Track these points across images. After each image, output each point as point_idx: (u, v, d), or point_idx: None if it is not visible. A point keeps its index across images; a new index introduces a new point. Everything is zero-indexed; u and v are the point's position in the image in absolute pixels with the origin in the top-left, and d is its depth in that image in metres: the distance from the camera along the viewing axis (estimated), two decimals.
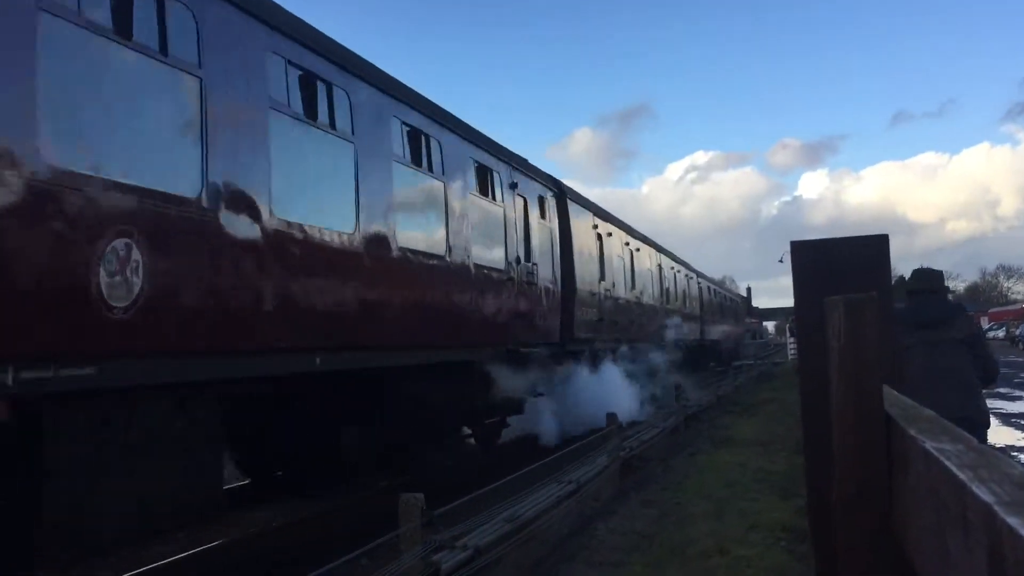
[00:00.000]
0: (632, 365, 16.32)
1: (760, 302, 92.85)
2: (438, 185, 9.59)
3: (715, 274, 53.56)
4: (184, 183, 5.46)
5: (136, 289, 4.90)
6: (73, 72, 4.70)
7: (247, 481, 9.81)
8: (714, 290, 38.20)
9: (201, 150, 5.60)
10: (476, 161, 10.89)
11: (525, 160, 13.28)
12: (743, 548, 6.44)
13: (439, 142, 9.63)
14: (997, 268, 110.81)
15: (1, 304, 4.14)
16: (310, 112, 7.08)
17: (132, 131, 5.13)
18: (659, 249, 24.28)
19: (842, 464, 1.80)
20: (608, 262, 17.15)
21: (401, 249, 8.30)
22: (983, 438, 6.02)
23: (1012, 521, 0.78)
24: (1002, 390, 21.23)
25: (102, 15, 4.88)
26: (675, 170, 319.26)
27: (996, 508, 0.83)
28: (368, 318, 7.56)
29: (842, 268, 2.64)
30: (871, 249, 2.68)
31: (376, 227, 7.92)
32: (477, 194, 10.77)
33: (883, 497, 1.71)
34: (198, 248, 5.49)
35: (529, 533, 6.32)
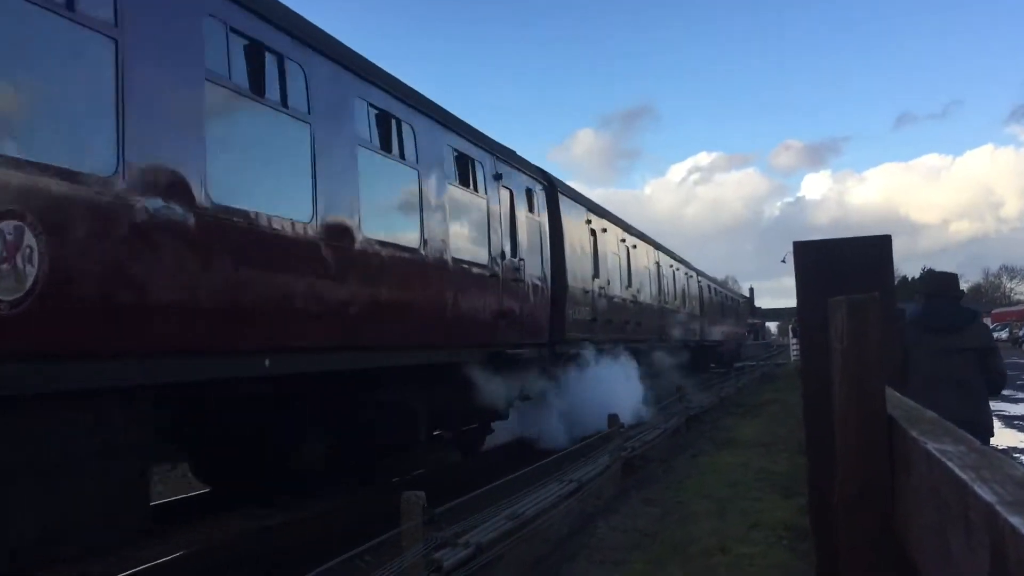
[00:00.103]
0: (628, 367, 15.89)
1: (763, 302, 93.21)
2: (411, 174, 8.99)
3: (718, 275, 53.71)
4: (95, 160, 4.85)
5: (30, 280, 4.31)
6: None
7: (207, 490, 9.47)
8: (715, 289, 37.96)
9: (116, 123, 4.96)
10: (455, 149, 10.34)
11: (511, 151, 12.82)
12: (745, 547, 6.47)
13: (412, 127, 9.04)
14: (1000, 269, 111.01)
15: None
16: (256, 86, 6.43)
17: (28, 99, 4.62)
18: (657, 247, 24.02)
19: (844, 464, 1.81)
20: (603, 259, 16.74)
21: (367, 241, 7.72)
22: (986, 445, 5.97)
23: (1014, 521, 0.78)
24: (1005, 392, 21.19)
25: None
26: (678, 171, 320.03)
27: (998, 508, 0.84)
28: (329, 316, 7.05)
29: (845, 269, 2.66)
30: (874, 250, 2.69)
31: (337, 217, 7.31)
32: (457, 185, 10.21)
33: (885, 497, 1.73)
34: (113, 234, 4.87)
35: (531, 531, 6.32)
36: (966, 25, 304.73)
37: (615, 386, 14.32)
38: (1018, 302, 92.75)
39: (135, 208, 5.03)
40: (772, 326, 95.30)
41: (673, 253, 26.95)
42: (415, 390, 9.24)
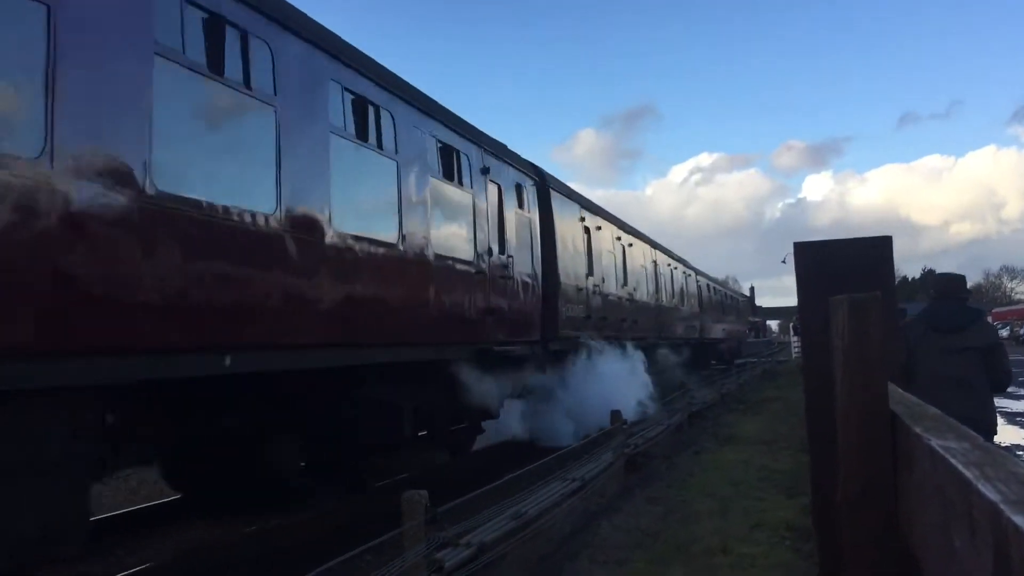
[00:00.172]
0: (623, 365, 15.77)
1: (763, 301, 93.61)
2: (390, 164, 8.58)
3: (719, 275, 53.81)
4: (17, 140, 4.43)
5: None
6: None
7: (178, 496, 9.18)
8: (714, 288, 38.16)
9: (45, 100, 4.54)
10: (439, 140, 10.00)
11: (500, 144, 12.52)
12: (747, 546, 6.48)
13: (392, 115, 8.64)
14: (1000, 269, 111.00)
15: None
16: (215, 64, 5.98)
17: None
18: (654, 245, 24.13)
19: (847, 462, 1.81)
20: (597, 257, 16.76)
21: (340, 235, 7.36)
22: (989, 442, 6.02)
23: (1018, 520, 0.78)
24: (1008, 390, 21.17)
25: None
26: (679, 172, 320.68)
27: (1002, 506, 0.84)
28: (296, 313, 6.69)
29: (845, 269, 2.66)
30: (874, 250, 2.69)
31: (305, 208, 6.93)
32: (440, 178, 9.90)
33: (888, 495, 1.72)
34: (39, 222, 4.44)
35: (533, 530, 6.33)
36: (968, 25, 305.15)
37: (610, 383, 14.28)
38: (1018, 301, 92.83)
39: (65, 194, 4.63)
40: (773, 324, 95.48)
41: (671, 252, 27.15)
42: (398, 388, 9.03)
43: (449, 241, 9.96)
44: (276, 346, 6.51)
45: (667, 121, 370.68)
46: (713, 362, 35.28)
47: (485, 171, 11.31)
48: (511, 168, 12.62)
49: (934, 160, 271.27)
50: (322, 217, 7.14)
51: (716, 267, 72.70)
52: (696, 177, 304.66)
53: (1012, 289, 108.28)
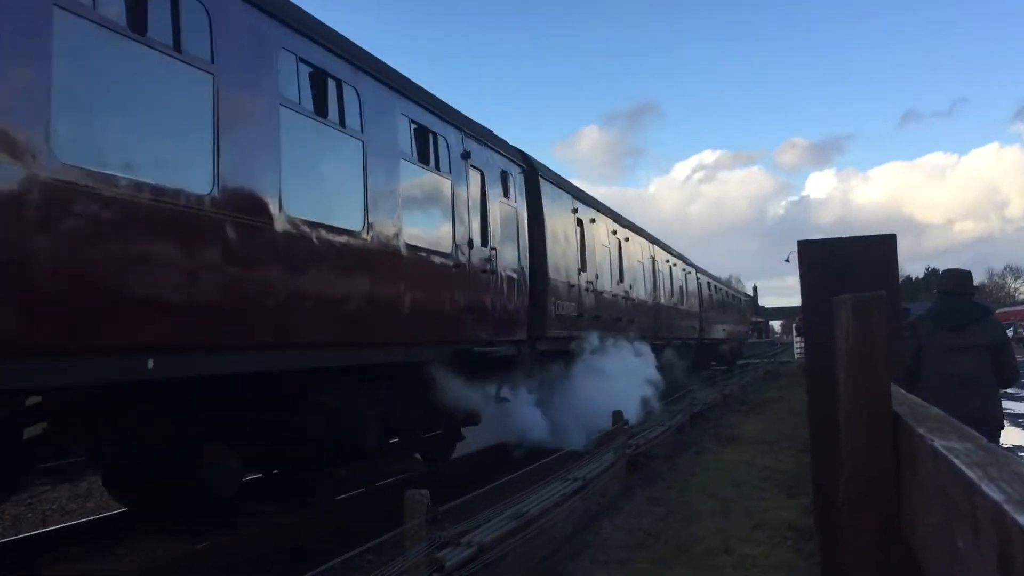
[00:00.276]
0: (618, 365, 14.98)
1: (766, 301, 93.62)
2: (354, 144, 7.82)
3: (722, 274, 53.62)
4: None
5: None
6: None
7: (123, 510, 8.31)
8: (715, 286, 37.60)
9: None
10: (413, 121, 9.21)
11: (485, 128, 11.68)
12: (749, 547, 6.48)
13: (357, 91, 7.88)
14: (1004, 269, 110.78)
15: None
16: (136, 24, 5.34)
17: None
18: (652, 240, 23.28)
19: (849, 463, 1.81)
20: (590, 251, 15.90)
21: (292, 221, 6.65)
22: (995, 439, 6.10)
23: (1023, 520, 0.77)
24: (1010, 390, 21.16)
25: None
26: (682, 169, 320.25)
27: (1006, 507, 0.83)
28: (237, 309, 6.00)
29: (849, 267, 2.66)
30: (878, 249, 2.69)
31: (248, 189, 6.21)
32: (414, 161, 9.14)
33: (891, 496, 1.72)
34: None
35: (534, 530, 6.32)
36: (971, 23, 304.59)
37: (603, 385, 13.62)
38: (1023, 302, 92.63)
39: None
40: (776, 324, 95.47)
41: (670, 248, 26.41)
42: (361, 393, 8.30)
43: (424, 231, 9.20)
44: (212, 347, 5.82)
45: (670, 118, 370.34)
46: (713, 363, 35.09)
47: (466, 156, 10.53)
48: (496, 154, 11.75)
49: (937, 158, 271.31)
50: (270, 200, 6.42)
51: (719, 266, 72.93)
52: (699, 174, 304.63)
53: (1016, 289, 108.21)
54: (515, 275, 11.94)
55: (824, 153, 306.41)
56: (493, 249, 11.10)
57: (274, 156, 6.53)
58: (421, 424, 10.18)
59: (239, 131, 6.16)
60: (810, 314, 2.72)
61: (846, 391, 1.90)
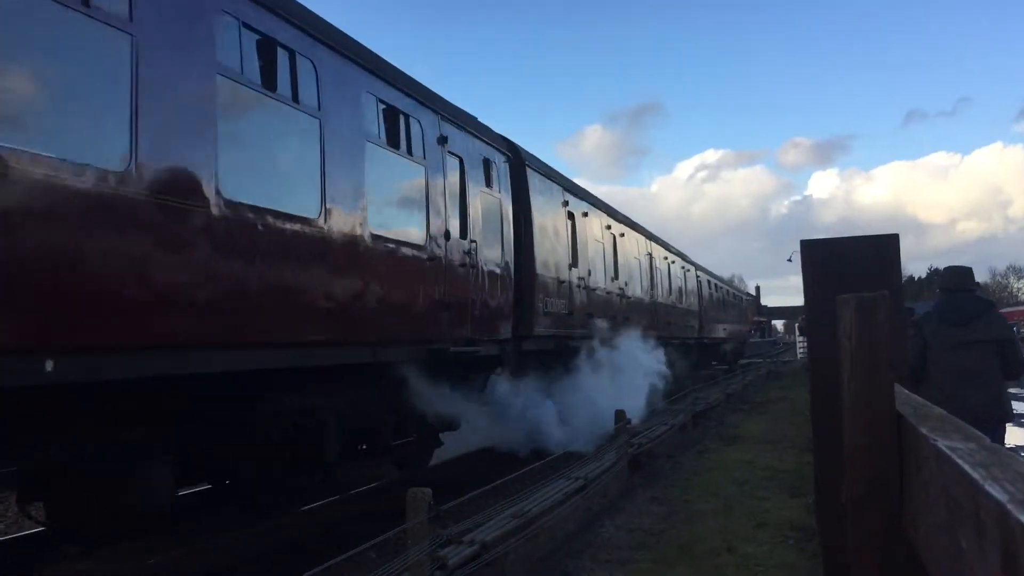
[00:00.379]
0: (611, 365, 14.47)
1: (769, 301, 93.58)
2: (309, 122, 7.09)
3: (725, 273, 53.51)
4: None
5: None
6: None
7: (40, 528, 7.14)
8: (716, 284, 37.10)
9: None
10: (381, 100, 8.42)
11: (465, 113, 10.85)
12: (751, 546, 6.48)
13: (313, 63, 7.16)
14: (1007, 269, 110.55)
15: None
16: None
17: None
18: (650, 236, 22.72)
19: (853, 462, 1.82)
20: (582, 247, 15.22)
21: (231, 204, 5.93)
22: (1001, 433, 6.19)
23: None
24: (1012, 390, 21.14)
25: None
26: (685, 168, 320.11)
27: (1009, 506, 0.83)
28: (164, 303, 5.32)
29: (852, 267, 2.67)
30: (881, 248, 2.70)
31: (176, 168, 5.50)
32: (382, 144, 8.37)
33: (894, 496, 1.72)
34: None
35: (536, 529, 6.32)
36: (975, 22, 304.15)
37: (594, 386, 13.23)
38: None
39: None
40: (779, 324, 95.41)
41: (669, 245, 25.80)
42: (323, 397, 7.70)
43: (392, 220, 8.44)
44: (130, 347, 5.13)
45: (673, 118, 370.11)
46: (714, 362, 34.90)
47: (442, 141, 9.70)
48: (477, 140, 10.91)
49: (940, 157, 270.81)
50: (203, 179, 5.69)
51: (722, 266, 72.84)
52: (702, 174, 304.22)
53: (1019, 289, 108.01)
54: (498, 270, 11.19)
55: (827, 152, 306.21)
56: (473, 242, 10.34)
57: (209, 131, 5.81)
58: (392, 430, 9.48)
59: (161, 101, 5.39)
60: (813, 312, 2.73)
61: (849, 390, 1.90)
